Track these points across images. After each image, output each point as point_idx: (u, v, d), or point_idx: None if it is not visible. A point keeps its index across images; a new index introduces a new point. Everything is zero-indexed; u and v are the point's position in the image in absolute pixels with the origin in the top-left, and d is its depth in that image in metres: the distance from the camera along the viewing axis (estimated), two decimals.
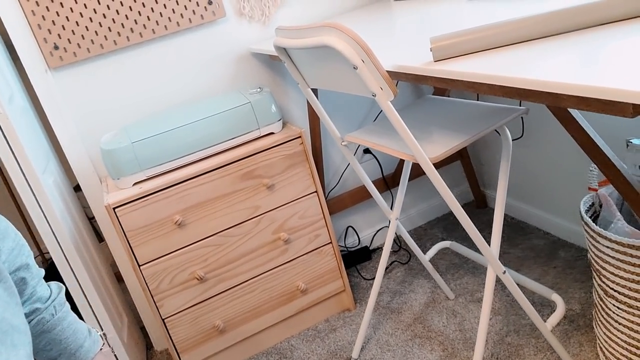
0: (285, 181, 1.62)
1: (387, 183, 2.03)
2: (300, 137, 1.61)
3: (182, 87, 1.73)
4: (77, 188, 1.89)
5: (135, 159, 1.49)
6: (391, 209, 1.89)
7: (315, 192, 1.67)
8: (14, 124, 1.33)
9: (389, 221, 1.53)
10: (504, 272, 1.20)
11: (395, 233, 2.14)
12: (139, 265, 1.51)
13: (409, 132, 1.04)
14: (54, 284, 0.88)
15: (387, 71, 0.98)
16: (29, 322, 0.81)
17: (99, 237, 2.04)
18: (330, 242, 1.72)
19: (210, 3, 1.67)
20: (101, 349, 0.89)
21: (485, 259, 1.44)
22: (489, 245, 1.21)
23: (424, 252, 1.99)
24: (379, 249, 2.13)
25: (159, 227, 1.50)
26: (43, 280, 0.86)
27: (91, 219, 1.92)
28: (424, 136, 1.21)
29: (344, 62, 1.01)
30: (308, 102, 1.80)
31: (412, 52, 1.02)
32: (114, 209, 1.44)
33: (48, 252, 2.51)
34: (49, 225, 1.43)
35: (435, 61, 0.90)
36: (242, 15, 1.75)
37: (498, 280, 1.72)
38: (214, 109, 1.57)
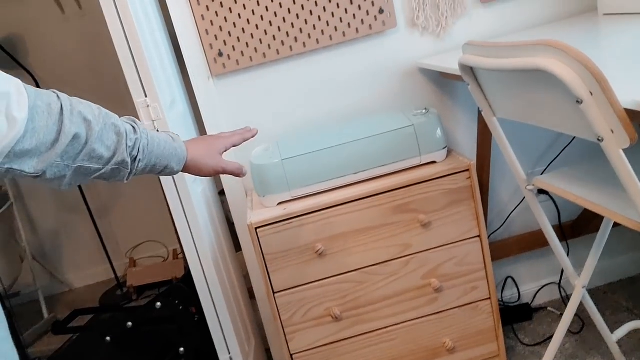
0: (445, 220, 1.39)
1: (564, 232, 1.68)
2: (468, 170, 1.37)
3: (340, 102, 1.59)
4: (222, 192, 1.86)
5: (284, 177, 1.37)
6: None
7: (479, 236, 1.41)
8: (171, 130, 1.29)
9: (574, 288, 1.22)
10: None
11: (566, 292, 1.78)
12: (274, 293, 1.39)
13: None
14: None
15: (625, 109, 0.71)
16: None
17: (237, 244, 2.00)
18: (489, 298, 1.45)
19: (381, 12, 1.51)
20: None
21: None
22: None
23: (605, 322, 1.61)
24: (543, 308, 1.78)
25: (299, 254, 1.37)
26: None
27: (231, 224, 1.88)
28: None
29: (563, 92, 0.76)
30: (479, 130, 1.55)
31: None
32: (256, 229, 1.34)
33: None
34: (192, 236, 1.37)
35: None
36: (414, 26, 1.56)
37: None
38: (371, 129, 1.40)
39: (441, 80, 1.62)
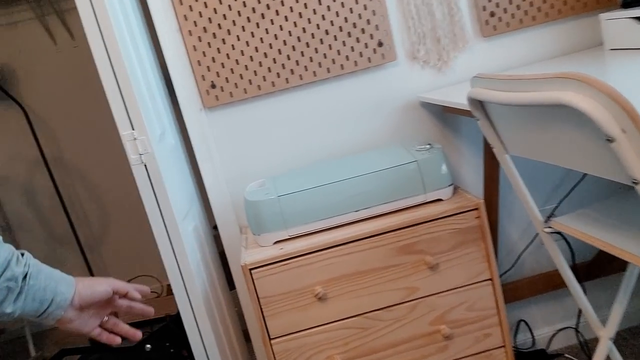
0: (453, 261, 1.30)
1: (579, 274, 1.59)
2: (477, 209, 1.28)
3: (339, 136, 1.52)
4: (216, 226, 1.77)
5: (281, 215, 1.29)
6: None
7: (490, 280, 1.32)
8: (160, 166, 1.22)
9: (598, 338, 1.12)
10: None
11: (584, 337, 1.68)
12: (270, 339, 1.29)
13: None
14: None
15: None
16: None
17: (231, 281, 1.90)
18: (504, 346, 1.34)
19: (380, 45, 1.46)
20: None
21: None
22: None
23: None
24: (560, 355, 1.68)
25: (297, 298, 1.28)
26: None
27: (225, 259, 1.78)
28: None
29: (589, 129, 0.69)
30: (486, 166, 1.48)
31: None
32: (250, 270, 1.25)
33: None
34: (182, 278, 1.27)
35: None
36: (415, 59, 1.50)
37: None
38: (372, 165, 1.33)
39: (444, 115, 1.55)
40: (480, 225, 1.29)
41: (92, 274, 2.56)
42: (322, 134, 1.51)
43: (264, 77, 1.43)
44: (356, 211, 1.32)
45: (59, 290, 0.73)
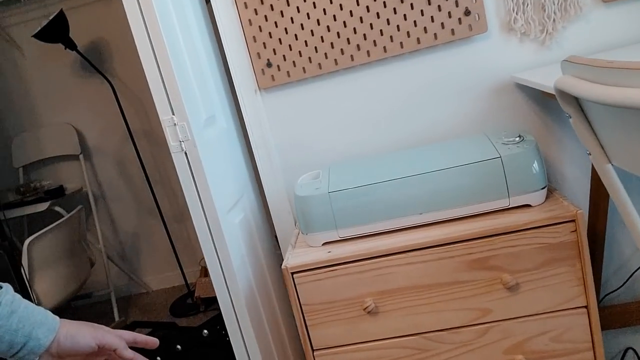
0: (538, 282, 1.06)
1: None
2: (574, 221, 1.02)
3: (412, 124, 1.31)
4: None
5: (331, 214, 1.13)
6: None
7: (586, 307, 1.06)
8: (202, 154, 1.12)
9: None
10: None
11: None
12: (313, 350, 1.16)
13: None
14: None
15: None
16: None
17: None
18: None
19: (467, 14, 1.21)
20: None
21: None
22: None
23: None
24: None
25: (344, 309, 1.12)
26: None
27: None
28: None
29: None
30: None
31: None
32: (292, 274, 1.11)
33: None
34: (223, 274, 1.18)
35: None
36: (511, 30, 1.24)
37: None
38: (445, 159, 1.11)
39: (544, 100, 1.27)
40: (576, 241, 1.03)
41: (172, 246, 2.59)
42: (392, 120, 1.31)
43: (325, 54, 1.26)
44: (420, 214, 1.12)
45: (34, 335, 0.67)
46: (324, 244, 1.17)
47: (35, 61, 2.61)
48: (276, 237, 1.41)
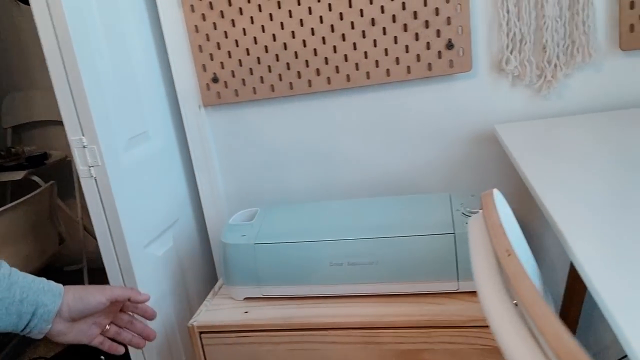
0: None
1: None
2: None
3: (370, 165, 1.13)
4: None
5: (255, 267, 0.98)
6: None
7: None
8: (115, 182, 0.97)
9: None
10: None
11: None
12: None
13: None
14: None
15: None
16: None
17: None
18: None
19: (450, 47, 1.00)
20: None
21: None
22: None
23: None
24: None
25: None
26: None
27: None
28: None
29: None
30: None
31: None
32: (200, 333, 0.98)
33: None
34: None
35: None
36: (501, 72, 1.02)
37: None
38: (393, 224, 0.94)
39: None
40: None
41: None
42: (350, 159, 1.13)
43: (280, 75, 1.07)
44: (354, 284, 0.96)
45: (41, 302, 0.66)
46: (246, 298, 1.03)
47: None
48: (215, 267, 1.28)
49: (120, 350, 0.75)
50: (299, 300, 0.99)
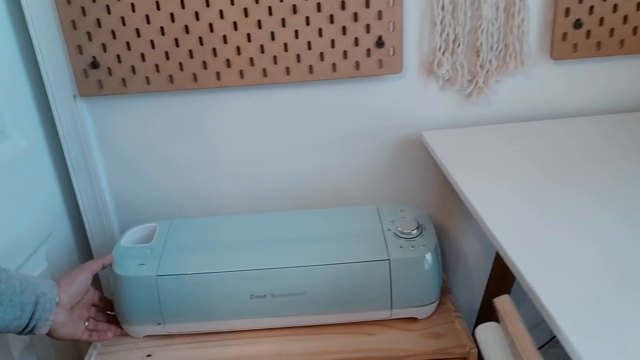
0: None
1: None
2: (464, 359, 0.81)
3: (287, 171, 1.00)
4: None
5: (157, 302, 0.82)
6: None
7: None
8: None
9: None
10: None
11: None
12: None
13: None
14: None
15: None
16: None
17: None
18: None
19: (380, 45, 0.89)
20: None
21: None
22: None
23: None
24: None
25: None
26: None
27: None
28: None
29: None
30: (493, 269, 0.97)
31: None
32: None
33: None
34: None
35: None
36: (430, 74, 0.94)
37: None
38: (320, 249, 0.83)
39: None
40: None
41: None
42: (264, 163, 0.99)
43: (180, 64, 0.88)
44: (274, 317, 0.84)
45: (40, 291, 0.66)
46: (146, 336, 0.87)
47: None
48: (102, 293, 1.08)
49: (109, 335, 0.80)
50: (212, 336, 0.86)
